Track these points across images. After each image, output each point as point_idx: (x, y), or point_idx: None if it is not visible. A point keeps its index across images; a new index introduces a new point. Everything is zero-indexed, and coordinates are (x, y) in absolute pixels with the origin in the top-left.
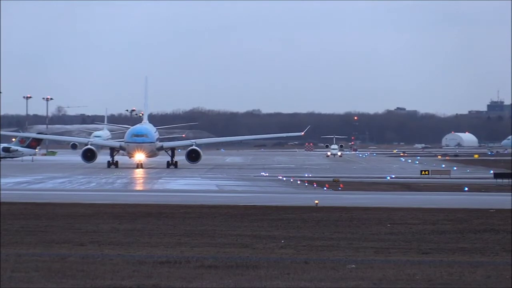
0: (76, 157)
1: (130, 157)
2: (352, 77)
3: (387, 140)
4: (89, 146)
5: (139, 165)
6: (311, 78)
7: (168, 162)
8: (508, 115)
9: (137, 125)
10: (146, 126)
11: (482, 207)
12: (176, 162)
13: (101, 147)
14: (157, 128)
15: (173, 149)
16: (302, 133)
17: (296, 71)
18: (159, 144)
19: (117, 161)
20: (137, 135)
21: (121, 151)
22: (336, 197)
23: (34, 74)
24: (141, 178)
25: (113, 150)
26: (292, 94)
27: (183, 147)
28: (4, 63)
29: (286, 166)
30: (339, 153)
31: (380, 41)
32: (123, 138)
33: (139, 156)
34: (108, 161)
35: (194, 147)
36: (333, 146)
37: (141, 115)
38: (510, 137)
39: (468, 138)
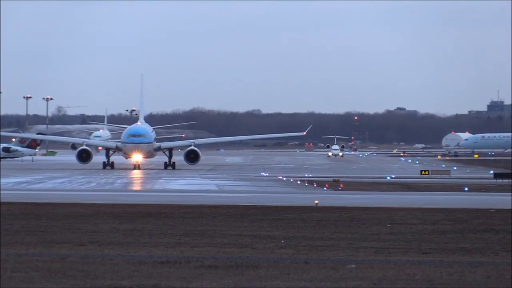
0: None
1: (126, 158)
2: (352, 77)
3: (387, 140)
4: (84, 147)
5: (136, 166)
6: (311, 78)
7: (165, 163)
8: (508, 115)
9: (134, 125)
10: (143, 126)
11: (482, 207)
12: (174, 163)
13: (97, 147)
14: (154, 128)
15: (170, 150)
16: (304, 133)
17: (296, 71)
18: (156, 144)
19: (112, 162)
20: (134, 135)
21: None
22: (336, 197)
23: (34, 74)
24: (140, 178)
25: (109, 151)
26: (292, 94)
27: (182, 147)
28: (4, 63)
29: (286, 166)
30: (340, 154)
31: (380, 41)
32: None
33: (136, 157)
34: (104, 162)
35: (193, 147)
36: (334, 147)
37: None
38: (468, 137)
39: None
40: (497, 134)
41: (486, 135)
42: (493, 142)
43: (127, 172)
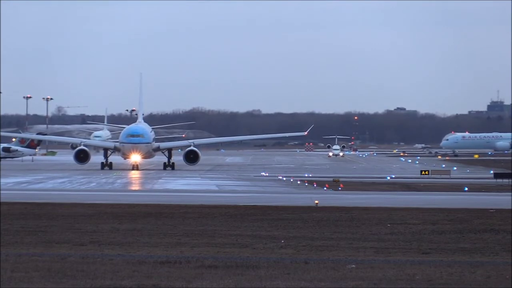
0: None
1: (125, 158)
2: (352, 77)
3: (387, 140)
4: (81, 147)
5: (135, 167)
6: (311, 78)
7: (164, 163)
8: (508, 115)
9: (132, 125)
10: (141, 125)
11: (482, 207)
12: (173, 163)
13: (94, 147)
14: (153, 128)
15: (170, 150)
16: (306, 133)
17: (296, 71)
18: (155, 144)
19: (111, 163)
20: (132, 135)
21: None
22: (336, 197)
23: (34, 74)
24: (140, 178)
25: (107, 151)
26: (292, 94)
27: (182, 147)
28: (4, 63)
29: (286, 166)
30: (341, 154)
31: (380, 41)
32: None
33: (135, 157)
34: (102, 163)
35: (192, 147)
36: (335, 147)
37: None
38: (448, 137)
39: None
40: (478, 134)
41: (467, 135)
42: (474, 142)
43: (126, 173)
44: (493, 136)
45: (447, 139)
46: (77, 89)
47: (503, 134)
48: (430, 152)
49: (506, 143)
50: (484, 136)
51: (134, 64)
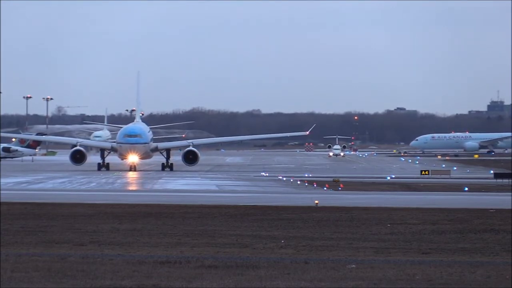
0: None
1: (122, 159)
2: (352, 77)
3: (387, 140)
4: (78, 147)
5: (132, 168)
6: (311, 78)
7: (163, 164)
8: (508, 115)
9: (130, 125)
10: (139, 125)
11: (482, 207)
12: (171, 164)
13: (93, 148)
14: (152, 128)
15: (168, 150)
16: (307, 132)
17: (297, 71)
18: (153, 144)
19: (108, 163)
20: (130, 135)
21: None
22: (336, 197)
23: (34, 74)
24: (140, 179)
25: (104, 152)
26: (292, 94)
27: (181, 147)
28: (4, 63)
29: (286, 166)
30: (341, 154)
31: (380, 41)
32: None
33: (132, 158)
34: (99, 163)
35: (191, 148)
36: (335, 147)
37: (141, 114)
38: (418, 138)
39: None
40: (447, 135)
41: (436, 135)
42: (443, 142)
43: (125, 173)
44: (462, 136)
45: (417, 139)
46: (77, 89)
47: (472, 134)
48: (399, 152)
49: (475, 143)
50: (453, 137)
51: (134, 64)
